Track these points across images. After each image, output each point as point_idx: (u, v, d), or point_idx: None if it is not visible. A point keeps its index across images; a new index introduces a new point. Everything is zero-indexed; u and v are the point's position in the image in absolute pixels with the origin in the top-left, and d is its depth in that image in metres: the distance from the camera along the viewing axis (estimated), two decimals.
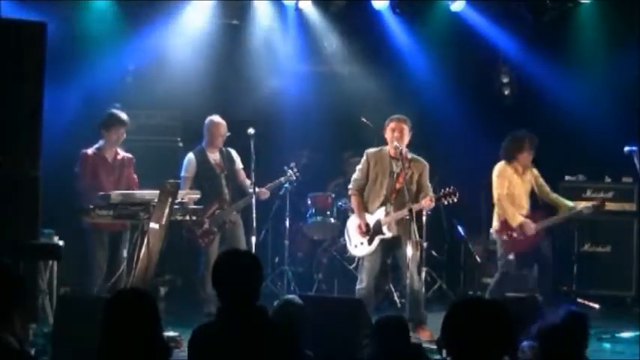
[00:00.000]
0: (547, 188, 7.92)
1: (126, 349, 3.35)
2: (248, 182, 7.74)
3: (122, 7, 9.01)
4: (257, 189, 7.64)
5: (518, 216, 7.67)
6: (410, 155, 7.03)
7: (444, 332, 2.98)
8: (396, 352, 4.42)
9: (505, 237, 7.72)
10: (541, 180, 7.90)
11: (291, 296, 5.38)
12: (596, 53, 9.34)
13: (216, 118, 7.95)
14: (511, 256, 7.75)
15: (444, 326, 2.98)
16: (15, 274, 3.56)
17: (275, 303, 5.05)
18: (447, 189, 6.99)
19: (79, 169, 7.47)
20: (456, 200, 6.99)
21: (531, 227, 7.67)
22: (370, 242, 7.07)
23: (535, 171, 7.91)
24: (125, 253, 7.47)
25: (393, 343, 4.46)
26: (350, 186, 7.30)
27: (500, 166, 7.80)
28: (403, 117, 7.12)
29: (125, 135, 7.61)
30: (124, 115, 7.60)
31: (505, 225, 7.73)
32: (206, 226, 7.69)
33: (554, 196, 7.95)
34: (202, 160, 7.90)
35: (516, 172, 7.79)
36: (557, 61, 9.31)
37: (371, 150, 7.23)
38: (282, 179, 8.10)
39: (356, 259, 7.61)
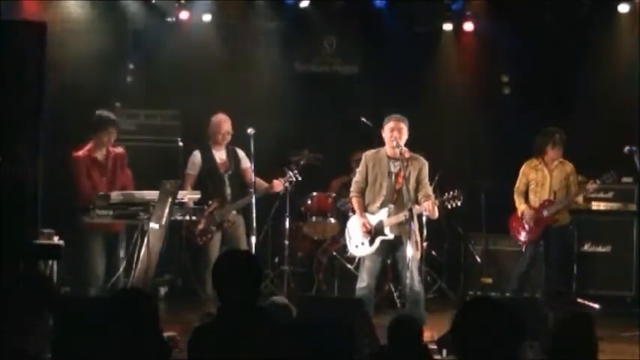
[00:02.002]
0: (573, 190, 8.12)
1: (125, 349, 3.35)
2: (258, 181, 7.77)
3: (123, 6, 9.03)
4: (273, 181, 7.81)
5: (523, 206, 8.11)
6: (408, 154, 7.03)
7: (454, 332, 2.97)
8: (408, 352, 4.42)
9: (514, 229, 8.20)
10: (572, 180, 8.13)
11: (276, 297, 5.39)
12: (596, 52, 9.35)
13: (220, 114, 7.95)
14: (523, 248, 8.23)
15: (453, 325, 2.98)
16: (39, 285, 3.58)
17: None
18: (452, 192, 6.98)
19: (75, 172, 7.40)
20: (459, 204, 7.00)
21: (529, 215, 8.05)
22: (371, 243, 7.06)
23: (569, 168, 8.13)
24: (122, 254, 7.46)
25: (406, 342, 4.45)
26: (351, 188, 7.30)
27: (524, 164, 8.23)
28: (401, 116, 7.12)
29: (116, 134, 7.55)
30: (111, 115, 7.55)
31: (513, 217, 8.21)
32: (204, 225, 7.67)
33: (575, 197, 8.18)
34: (207, 158, 7.89)
35: (538, 168, 8.14)
36: (557, 60, 9.31)
37: (369, 152, 7.23)
38: (287, 182, 8.05)
39: (356, 258, 7.61)
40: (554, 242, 8.14)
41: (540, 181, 8.13)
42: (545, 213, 8.03)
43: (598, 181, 8.03)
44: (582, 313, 3.88)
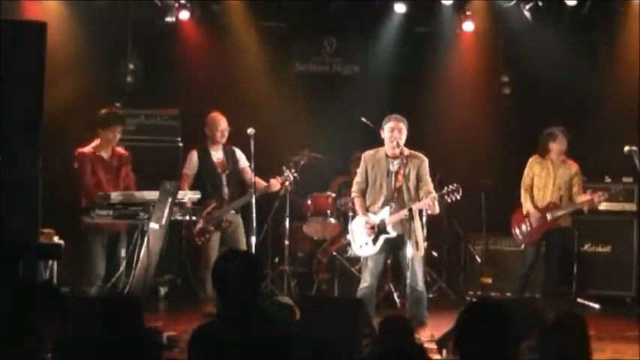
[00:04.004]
0: (575, 190, 8.10)
1: (114, 351, 3.38)
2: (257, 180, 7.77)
3: (122, 6, 9.03)
4: (271, 180, 7.79)
5: (528, 205, 8.07)
6: (408, 152, 7.03)
7: (457, 332, 2.97)
8: (399, 351, 4.41)
9: (515, 227, 8.18)
10: (575, 180, 8.11)
11: (280, 297, 5.39)
12: (596, 52, 9.35)
13: (214, 113, 7.97)
14: (522, 247, 8.25)
15: (457, 326, 2.98)
16: (43, 291, 3.62)
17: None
18: (451, 186, 6.97)
19: (80, 168, 7.43)
20: (459, 197, 6.98)
21: (535, 217, 8.00)
22: (375, 242, 7.07)
23: (574, 169, 8.11)
24: (123, 253, 7.46)
25: (397, 341, 4.45)
26: (352, 189, 7.30)
27: (531, 158, 8.19)
28: (400, 117, 7.12)
29: (121, 134, 7.58)
30: (121, 113, 7.63)
31: (517, 214, 8.18)
32: (202, 224, 7.67)
33: (577, 195, 8.12)
34: (204, 159, 7.90)
35: (543, 164, 8.11)
36: (557, 60, 9.31)
37: (368, 152, 7.23)
38: (284, 181, 8.02)
39: (361, 259, 7.60)
40: (554, 244, 8.14)
41: (544, 178, 8.10)
42: (550, 217, 8.02)
43: (606, 194, 8.05)
44: (574, 314, 3.88)
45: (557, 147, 8.06)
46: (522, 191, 8.18)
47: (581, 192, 8.10)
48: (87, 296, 7.03)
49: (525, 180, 8.18)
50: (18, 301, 3.66)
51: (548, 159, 8.13)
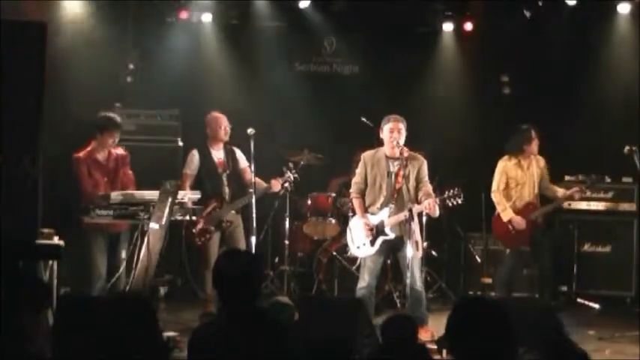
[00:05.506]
0: (545, 183, 8.11)
1: (123, 352, 3.36)
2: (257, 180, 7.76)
3: (123, 6, 9.03)
4: (271, 180, 7.80)
5: (508, 211, 7.95)
6: (407, 153, 7.02)
7: (448, 332, 2.98)
8: (402, 350, 4.42)
9: (497, 232, 8.13)
10: (544, 173, 8.10)
11: (280, 297, 5.39)
12: (596, 52, 9.36)
13: (215, 112, 7.96)
14: (507, 251, 8.18)
15: (447, 326, 2.98)
16: (28, 283, 3.61)
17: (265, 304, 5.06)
18: (452, 190, 6.94)
19: (76, 172, 7.41)
20: (460, 202, 6.96)
21: (519, 223, 7.92)
22: (373, 243, 7.07)
23: (542, 163, 8.09)
24: (124, 254, 7.45)
25: (400, 340, 4.45)
26: (351, 189, 7.31)
27: (500, 162, 8.07)
28: (400, 117, 7.12)
29: (118, 138, 7.55)
30: (119, 119, 7.58)
31: (498, 220, 8.05)
32: (202, 225, 7.67)
33: (551, 189, 8.12)
34: (205, 158, 7.89)
35: (518, 165, 8.02)
36: (557, 60, 9.32)
37: (367, 153, 7.23)
38: (285, 182, 8.02)
39: (358, 259, 7.62)
40: (542, 245, 8.02)
41: (521, 180, 8.00)
42: (532, 217, 7.96)
43: (584, 187, 8.05)
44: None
45: (531, 149, 7.99)
46: (497, 196, 7.99)
47: (550, 183, 8.08)
48: (88, 296, 7.03)
49: (500, 185, 8.00)
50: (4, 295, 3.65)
51: (520, 157, 8.02)
